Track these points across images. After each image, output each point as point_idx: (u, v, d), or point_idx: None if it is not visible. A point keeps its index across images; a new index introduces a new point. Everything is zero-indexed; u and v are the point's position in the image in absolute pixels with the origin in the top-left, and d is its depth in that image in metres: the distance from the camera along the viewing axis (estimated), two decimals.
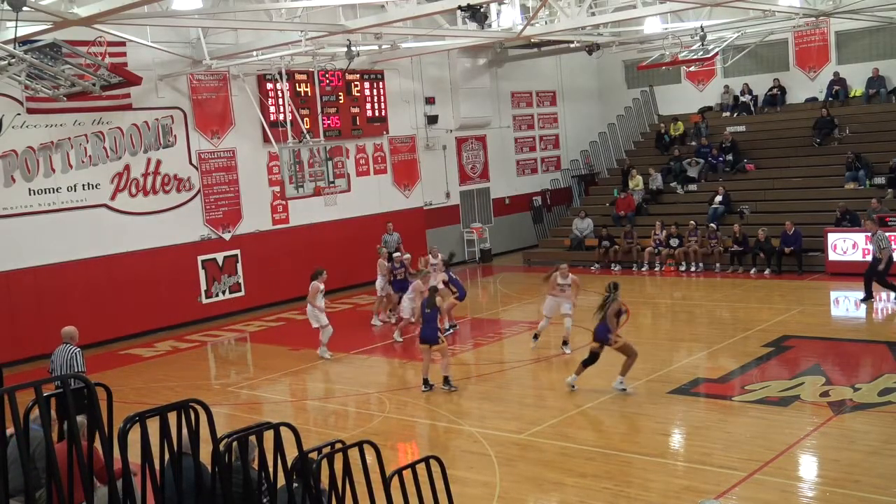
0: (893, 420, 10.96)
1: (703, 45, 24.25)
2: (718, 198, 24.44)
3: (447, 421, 12.41)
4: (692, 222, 23.58)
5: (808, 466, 10.14)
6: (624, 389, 12.72)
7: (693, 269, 22.66)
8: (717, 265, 22.46)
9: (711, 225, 23.44)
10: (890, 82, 26.39)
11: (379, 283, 19.04)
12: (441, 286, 16.34)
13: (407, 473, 6.48)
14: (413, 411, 12.99)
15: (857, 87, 26.89)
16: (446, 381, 13.50)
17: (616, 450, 10.65)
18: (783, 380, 12.66)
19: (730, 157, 26.31)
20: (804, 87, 27.97)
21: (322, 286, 15.97)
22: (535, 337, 15.73)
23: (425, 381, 13.56)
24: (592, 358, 12.89)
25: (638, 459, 10.27)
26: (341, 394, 14.02)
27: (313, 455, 6.10)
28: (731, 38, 25.26)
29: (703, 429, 11.67)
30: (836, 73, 27.18)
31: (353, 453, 6.06)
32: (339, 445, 6.13)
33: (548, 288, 15.51)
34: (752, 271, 21.81)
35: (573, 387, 13.05)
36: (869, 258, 19.96)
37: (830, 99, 26.99)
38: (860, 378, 12.59)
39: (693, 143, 27.84)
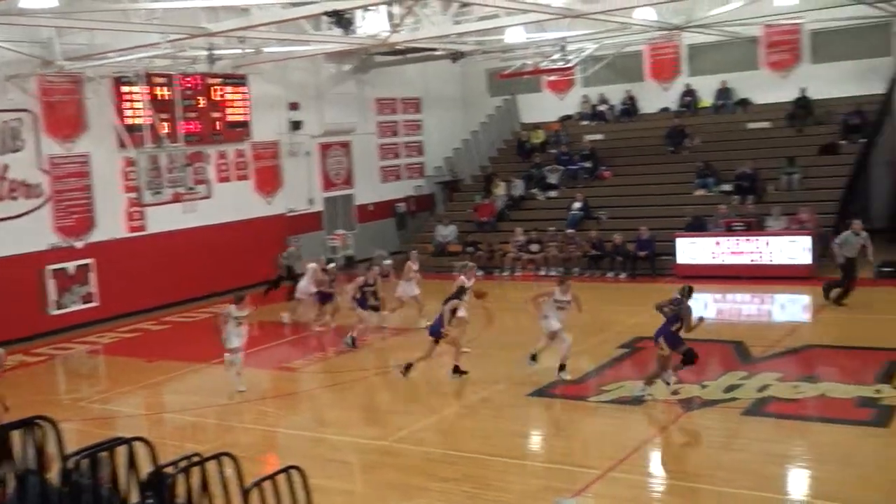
0: (738, 415, 11.52)
1: (563, 55, 24.96)
2: (577, 204, 25.16)
3: (309, 430, 12.33)
4: (552, 228, 24.22)
5: (660, 463, 10.56)
6: (643, 396, 12.29)
7: (552, 273, 23.20)
8: (576, 269, 23.09)
9: (570, 230, 24.11)
10: (736, 94, 27.76)
11: (303, 286, 18.84)
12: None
13: (267, 485, 6.41)
14: (275, 421, 12.84)
15: (707, 99, 28.19)
16: (456, 369, 13.98)
17: (477, 453, 10.80)
18: (636, 380, 13.14)
19: (588, 165, 27.13)
20: (658, 98, 29.11)
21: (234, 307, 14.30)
22: (533, 358, 13.94)
23: (408, 366, 14.00)
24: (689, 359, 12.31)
25: (498, 462, 10.46)
26: (200, 405, 13.71)
27: (169, 469, 5.95)
28: (590, 49, 26.06)
29: (561, 429, 12.01)
30: (687, 85, 28.41)
31: (212, 466, 5.95)
32: (196, 458, 6.01)
33: (536, 306, 14.04)
34: (609, 275, 22.54)
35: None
36: (719, 261, 21.04)
37: (682, 109, 28.20)
38: (707, 376, 13.19)
39: (553, 151, 28.56)
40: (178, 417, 13.36)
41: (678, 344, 12.18)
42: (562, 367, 13.56)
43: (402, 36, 20.37)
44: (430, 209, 30.27)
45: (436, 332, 13.76)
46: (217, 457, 6.08)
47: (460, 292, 14.40)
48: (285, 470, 6.57)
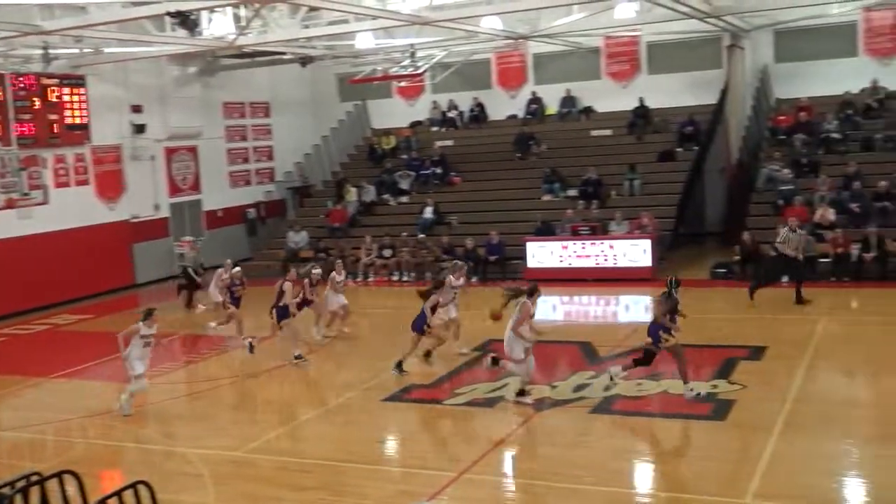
0: (586, 414, 11.88)
1: (412, 61, 25.14)
2: (428, 209, 25.38)
3: (157, 443, 11.91)
4: (404, 233, 24.34)
5: (512, 462, 10.76)
6: (698, 394, 12.06)
7: (405, 278, 23.31)
8: (428, 274, 23.23)
9: (422, 235, 24.29)
10: (580, 102, 28.69)
11: (212, 290, 18.57)
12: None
13: (112, 502, 6.15)
14: (120, 436, 12.34)
15: (552, 106, 29.00)
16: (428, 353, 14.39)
17: (333, 460, 10.72)
18: (489, 382, 13.34)
19: (439, 170, 27.41)
20: (505, 105, 29.72)
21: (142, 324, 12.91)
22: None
23: (399, 364, 14.17)
24: (648, 357, 12.33)
25: (354, 468, 10.40)
26: (39, 422, 13.02)
27: (5, 490, 5.63)
28: (439, 56, 26.36)
29: (416, 433, 12.06)
30: (533, 93, 29.14)
31: (52, 485, 5.67)
32: (34, 478, 5.71)
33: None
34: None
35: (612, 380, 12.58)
36: (566, 264, 21.62)
37: (529, 116, 28.90)
38: (557, 376, 13.54)
39: (404, 157, 28.71)
40: (15, 435, 12.64)
41: (659, 340, 12.11)
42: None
43: (250, 39, 20.06)
44: (282, 215, 29.86)
45: (419, 329, 14.08)
46: (58, 475, 5.80)
47: (437, 286, 14.75)
48: (132, 485, 6.34)
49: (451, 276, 15.49)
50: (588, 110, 28.62)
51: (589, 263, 21.73)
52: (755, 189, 23.42)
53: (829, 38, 26.05)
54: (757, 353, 14.15)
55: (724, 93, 26.32)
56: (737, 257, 20.48)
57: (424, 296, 14.45)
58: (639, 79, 28.21)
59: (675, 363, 12.16)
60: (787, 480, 9.32)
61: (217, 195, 27.97)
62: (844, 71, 25.35)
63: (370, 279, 23.71)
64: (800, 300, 17.61)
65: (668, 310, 12.00)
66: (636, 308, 19.96)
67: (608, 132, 27.43)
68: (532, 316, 12.29)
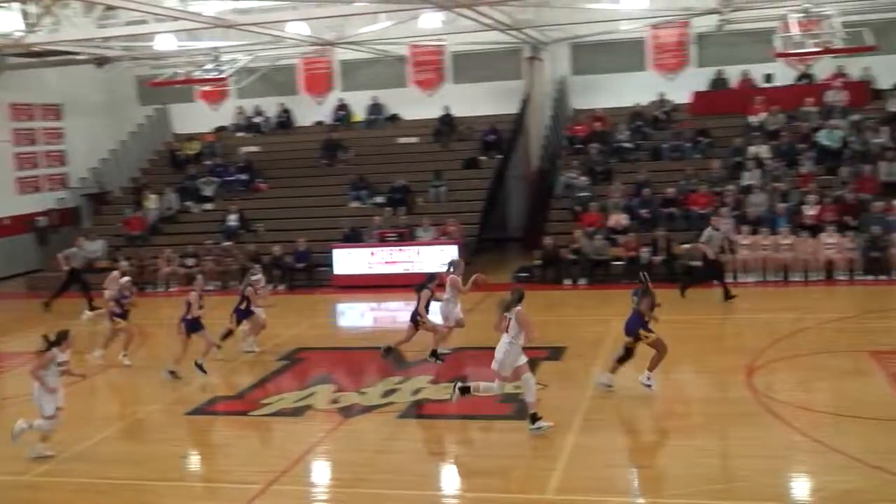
0: (394, 419, 11.96)
1: (216, 65, 24.51)
2: (233, 216, 24.82)
3: None
4: (208, 241, 23.69)
5: (321, 471, 10.68)
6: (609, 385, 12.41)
7: (210, 287, 22.64)
8: (234, 282, 22.70)
9: (227, 243, 23.73)
10: (387, 110, 28.92)
11: (108, 294, 16.91)
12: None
13: None
14: None
15: (359, 113, 29.07)
16: (433, 353, 14.36)
17: (132, 479, 10.25)
18: (296, 391, 13.19)
19: (245, 177, 26.87)
20: (312, 111, 29.53)
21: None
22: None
23: (388, 349, 14.54)
24: (629, 354, 12.35)
25: (155, 486, 10.01)
26: None
27: None
28: (244, 60, 25.85)
29: (221, 446, 11.75)
30: (340, 100, 29.12)
31: None
32: None
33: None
34: (269, 287, 22.39)
35: (610, 385, 12.48)
36: (374, 271, 21.66)
37: (336, 123, 28.84)
38: (366, 383, 13.56)
39: (208, 163, 27.97)
40: None
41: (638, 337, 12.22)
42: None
43: (40, 37, 18.95)
44: (76, 223, 28.33)
45: (413, 319, 14.40)
46: None
47: (430, 280, 14.77)
48: None
49: (454, 274, 14.95)
50: (394, 118, 28.90)
51: (397, 270, 21.88)
52: (554, 195, 24.37)
53: (621, 53, 27.55)
54: (556, 353, 14.69)
55: (524, 103, 27.26)
56: (538, 261, 21.24)
57: (418, 290, 14.55)
58: (444, 87, 28.77)
59: (656, 352, 12.25)
60: (587, 474, 9.74)
61: (3, 202, 26.21)
62: (635, 84, 26.87)
63: (172, 289, 22.89)
64: (728, 296, 18.08)
65: (651, 304, 12.19)
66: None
67: (414, 140, 27.79)
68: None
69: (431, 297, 14.64)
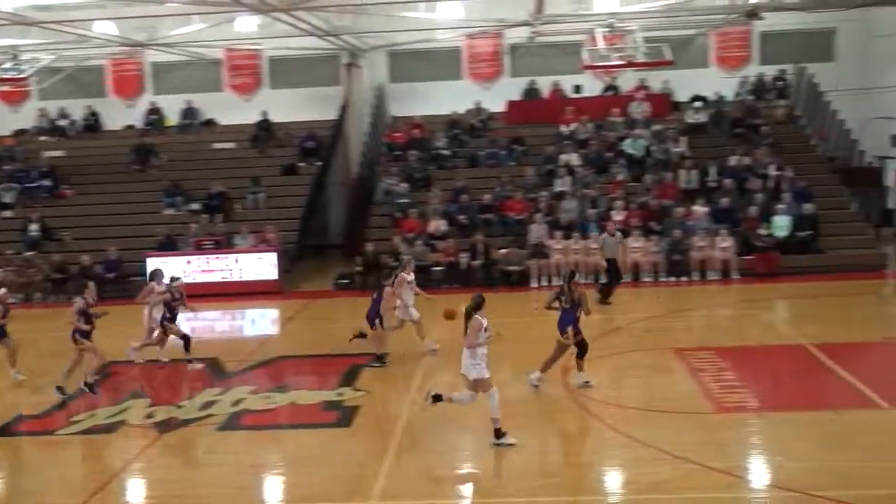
0: (214, 431, 11.64)
1: (15, 64, 23.10)
2: (34, 225, 23.47)
3: None
4: (9, 251, 22.31)
5: (136, 489, 10.23)
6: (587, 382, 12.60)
7: (13, 300, 21.29)
8: (38, 294, 21.51)
9: (29, 253, 22.42)
10: (202, 114, 28.17)
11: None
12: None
13: None
14: None
15: (172, 118, 28.17)
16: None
17: None
18: (109, 406, 12.62)
19: (48, 183, 25.48)
20: (122, 115, 28.38)
21: None
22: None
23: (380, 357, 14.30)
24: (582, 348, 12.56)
25: None
26: None
27: None
28: (46, 60, 24.49)
29: (25, 469, 11.07)
30: (152, 103, 28.12)
31: None
32: None
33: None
34: (76, 299, 21.30)
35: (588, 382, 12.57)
36: (191, 280, 20.99)
37: (148, 127, 27.82)
38: (183, 395, 13.13)
39: (7, 167, 26.32)
40: None
41: (579, 332, 12.46)
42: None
43: None
44: None
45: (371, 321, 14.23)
46: None
47: (387, 277, 14.67)
48: None
49: (404, 273, 14.83)
50: (210, 122, 28.20)
51: (214, 278, 21.34)
52: (374, 202, 24.46)
53: (439, 61, 28.06)
54: (380, 358, 14.73)
55: (343, 109, 27.25)
56: (359, 268, 21.24)
57: (379, 290, 14.39)
58: (261, 92, 28.33)
59: (553, 353, 12.64)
60: (411, 478, 9.82)
61: None
62: (452, 92, 27.40)
63: None
64: (605, 300, 18.44)
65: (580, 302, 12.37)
66: (263, 321, 19.96)
67: (231, 145, 27.20)
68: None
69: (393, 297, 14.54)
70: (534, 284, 20.67)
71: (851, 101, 26.09)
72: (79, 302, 13.53)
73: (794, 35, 27.07)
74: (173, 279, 15.21)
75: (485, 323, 10.56)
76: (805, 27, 26.32)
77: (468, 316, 10.69)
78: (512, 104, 27.00)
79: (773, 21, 24.62)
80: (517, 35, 26.76)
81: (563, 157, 24.21)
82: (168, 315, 14.70)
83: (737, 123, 25.16)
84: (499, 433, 10.51)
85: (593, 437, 10.90)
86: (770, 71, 27.10)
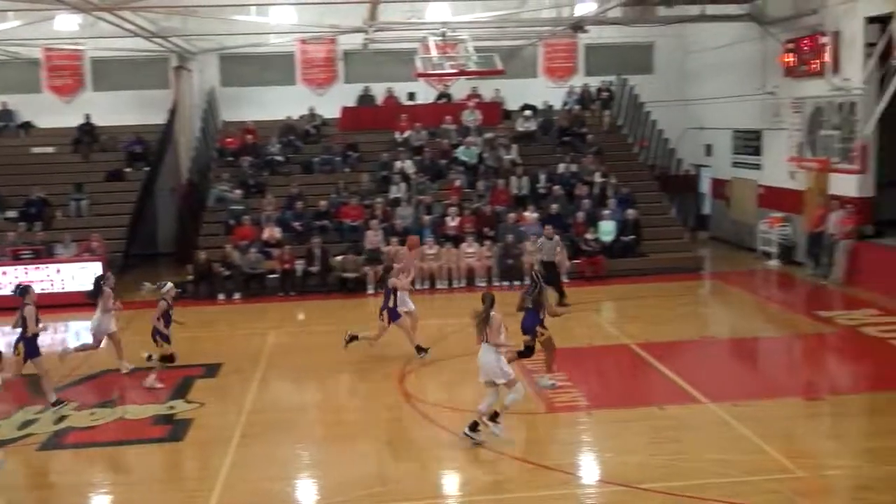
0: (34, 452, 11.03)
1: None
2: None
3: None
4: None
5: None
6: (553, 384, 12.67)
7: None
8: None
9: None
10: (19, 116, 26.72)
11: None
12: None
13: None
14: None
15: None
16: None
17: None
18: None
19: None
20: None
21: None
22: None
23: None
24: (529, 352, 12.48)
25: None
26: None
27: None
28: None
29: None
30: None
31: None
32: None
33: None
34: None
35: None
36: (6, 292, 19.89)
37: None
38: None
39: None
40: None
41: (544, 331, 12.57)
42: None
43: None
44: None
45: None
46: None
47: (388, 270, 14.71)
48: None
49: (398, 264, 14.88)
50: (28, 125, 26.75)
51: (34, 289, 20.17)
52: (206, 209, 23.85)
53: (272, 66, 27.74)
54: (213, 370, 14.39)
55: (172, 113, 26.45)
56: (190, 277, 20.65)
57: (382, 281, 14.52)
58: (84, 95, 27.15)
59: (546, 352, 12.68)
60: (247, 489, 9.63)
61: None
62: (285, 98, 27.12)
63: None
64: (562, 301, 18.19)
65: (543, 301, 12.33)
66: (88, 335, 19.02)
67: (51, 149, 25.92)
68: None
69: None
70: (370, 291, 20.69)
71: (669, 112, 27.56)
72: None
73: (617, 48, 28.34)
74: (160, 285, 14.07)
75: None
76: (627, 41, 27.58)
77: (486, 316, 10.77)
78: (346, 110, 26.95)
79: (598, 34, 25.70)
80: (351, 41, 26.76)
81: (398, 164, 24.37)
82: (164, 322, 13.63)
83: (564, 132, 26.07)
84: (474, 426, 10.57)
85: (431, 441, 11.01)
86: (595, 82, 28.22)
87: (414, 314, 14.95)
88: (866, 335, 15.50)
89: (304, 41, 27.35)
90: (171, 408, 12.49)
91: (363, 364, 14.67)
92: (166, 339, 13.38)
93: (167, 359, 13.43)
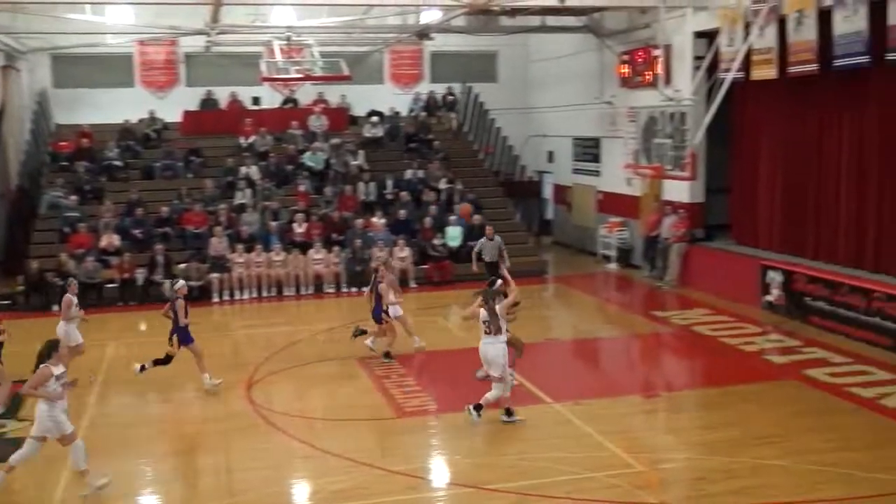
0: None
1: None
2: None
3: None
4: None
5: None
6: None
7: None
8: None
9: None
10: None
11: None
12: None
13: None
14: None
15: None
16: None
17: None
18: None
19: None
20: None
21: None
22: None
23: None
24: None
25: None
26: None
27: None
28: None
29: None
30: None
31: None
32: None
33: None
34: None
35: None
36: None
37: None
38: None
39: None
40: None
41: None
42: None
43: None
44: None
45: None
46: None
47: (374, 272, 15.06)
48: None
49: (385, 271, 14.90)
50: None
51: None
52: (38, 216, 22.70)
53: (109, 67, 26.75)
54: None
55: (0, 115, 25.04)
56: (21, 287, 19.61)
57: (373, 289, 14.46)
58: None
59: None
60: None
61: None
62: (124, 100, 26.20)
63: None
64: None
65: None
66: None
67: None
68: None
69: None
70: (215, 299, 20.23)
71: (513, 120, 28.24)
72: None
73: (462, 56, 28.83)
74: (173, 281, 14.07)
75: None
76: (471, 49, 28.08)
77: (486, 303, 11.20)
78: (188, 114, 26.24)
79: (443, 42, 26.05)
80: (193, 44, 26.12)
81: (244, 170, 23.91)
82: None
83: (411, 138, 26.27)
84: (509, 412, 11.44)
85: (279, 450, 10.86)
86: (441, 89, 28.58)
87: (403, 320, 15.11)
88: (699, 333, 16.34)
89: (142, 42, 26.48)
90: (2, 426, 11.83)
91: (213, 371, 14.32)
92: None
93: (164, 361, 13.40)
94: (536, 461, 10.16)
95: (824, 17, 15.98)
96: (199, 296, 20.15)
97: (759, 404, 12.20)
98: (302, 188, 23.56)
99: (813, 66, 16.43)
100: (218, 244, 20.99)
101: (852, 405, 12.05)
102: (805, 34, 16.44)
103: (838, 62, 15.76)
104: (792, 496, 9.09)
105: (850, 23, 15.26)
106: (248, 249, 21.04)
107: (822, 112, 17.72)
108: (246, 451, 10.95)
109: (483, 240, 19.31)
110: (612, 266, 23.37)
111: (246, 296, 20.54)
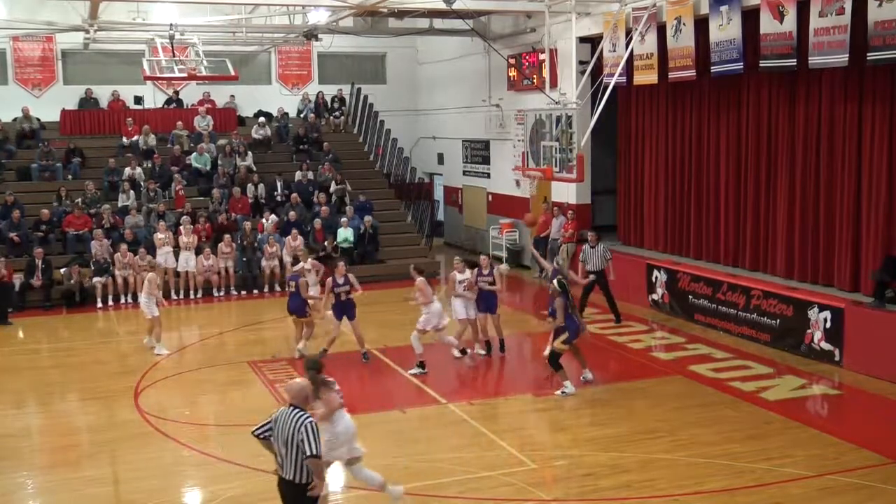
0: None
1: None
2: None
3: None
4: None
5: None
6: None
7: None
8: None
9: None
10: None
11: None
12: None
13: None
14: None
15: None
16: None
17: None
18: None
19: None
20: None
21: None
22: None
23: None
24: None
25: None
26: None
27: None
28: None
29: None
30: None
31: None
32: None
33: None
34: None
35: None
36: None
37: None
38: None
39: None
40: None
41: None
42: None
43: None
44: None
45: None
46: None
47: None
48: None
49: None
50: None
51: None
52: None
53: None
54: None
55: None
56: None
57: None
58: None
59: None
60: None
61: None
62: None
63: None
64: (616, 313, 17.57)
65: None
66: None
67: None
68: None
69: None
70: (99, 304, 19.61)
71: (403, 122, 28.27)
72: None
73: (351, 57, 28.73)
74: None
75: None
76: (360, 51, 28.00)
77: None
78: (67, 113, 25.29)
79: (331, 43, 25.87)
80: (71, 41, 25.23)
81: (127, 171, 23.23)
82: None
83: (300, 139, 26.01)
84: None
85: (171, 459, 10.62)
86: (330, 90, 28.39)
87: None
88: (588, 332, 16.65)
89: (17, 38, 25.43)
90: None
91: (94, 383, 13.90)
92: None
93: None
94: (432, 461, 10.22)
95: (702, 25, 16.60)
96: (81, 300, 19.53)
97: (647, 400, 12.58)
98: (187, 190, 23.04)
99: (691, 73, 17.06)
100: (100, 247, 20.33)
101: (734, 399, 12.55)
102: (684, 41, 17.06)
103: (715, 69, 16.41)
104: (678, 489, 9.40)
105: (725, 31, 15.91)
106: (134, 252, 20.42)
107: (701, 116, 18.41)
108: (135, 460, 10.66)
109: (585, 247, 17.39)
110: (504, 267, 23.63)
111: (131, 300, 19.94)
